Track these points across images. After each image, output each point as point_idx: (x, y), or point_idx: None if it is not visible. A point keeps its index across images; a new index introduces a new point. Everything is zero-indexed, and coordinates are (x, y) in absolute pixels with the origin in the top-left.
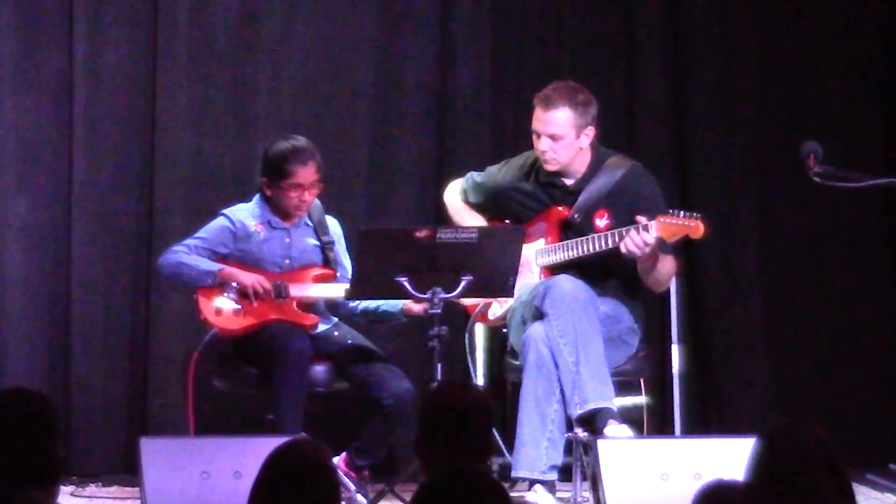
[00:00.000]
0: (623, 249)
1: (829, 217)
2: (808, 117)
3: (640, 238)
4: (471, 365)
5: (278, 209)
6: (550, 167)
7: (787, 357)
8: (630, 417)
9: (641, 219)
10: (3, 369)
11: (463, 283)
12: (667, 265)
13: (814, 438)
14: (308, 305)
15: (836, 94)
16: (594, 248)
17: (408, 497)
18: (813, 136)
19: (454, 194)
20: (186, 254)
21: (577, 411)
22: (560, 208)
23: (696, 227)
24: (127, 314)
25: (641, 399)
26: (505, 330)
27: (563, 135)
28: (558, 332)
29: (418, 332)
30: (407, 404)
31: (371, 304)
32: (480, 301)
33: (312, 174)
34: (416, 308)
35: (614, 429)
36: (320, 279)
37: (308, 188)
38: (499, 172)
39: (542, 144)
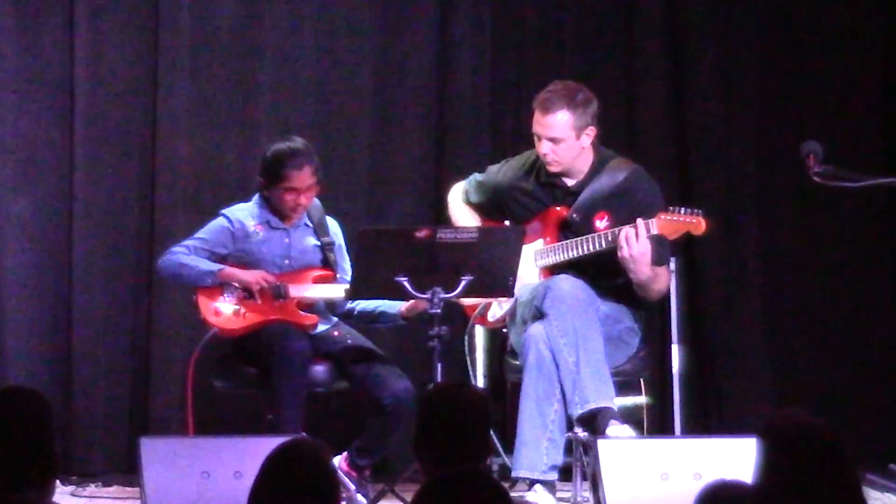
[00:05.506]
0: (620, 253)
1: (830, 217)
2: (808, 117)
3: (635, 234)
4: (471, 365)
5: (277, 210)
6: (553, 169)
7: (787, 357)
8: (630, 417)
9: (641, 222)
10: (3, 369)
11: (463, 283)
12: (661, 281)
13: (817, 434)
14: (308, 305)
15: (836, 94)
16: (593, 247)
17: (408, 497)
18: (813, 136)
19: (456, 195)
20: (186, 254)
21: (577, 411)
22: (558, 208)
23: (697, 224)
24: (127, 314)
25: (641, 399)
26: (505, 330)
27: (563, 137)
28: (558, 332)
29: (418, 332)
30: (407, 404)
31: (369, 305)
32: (480, 303)
33: (308, 178)
34: (411, 304)
35: (616, 429)
36: (320, 280)
37: (304, 192)
38: (500, 171)
39: (544, 147)
